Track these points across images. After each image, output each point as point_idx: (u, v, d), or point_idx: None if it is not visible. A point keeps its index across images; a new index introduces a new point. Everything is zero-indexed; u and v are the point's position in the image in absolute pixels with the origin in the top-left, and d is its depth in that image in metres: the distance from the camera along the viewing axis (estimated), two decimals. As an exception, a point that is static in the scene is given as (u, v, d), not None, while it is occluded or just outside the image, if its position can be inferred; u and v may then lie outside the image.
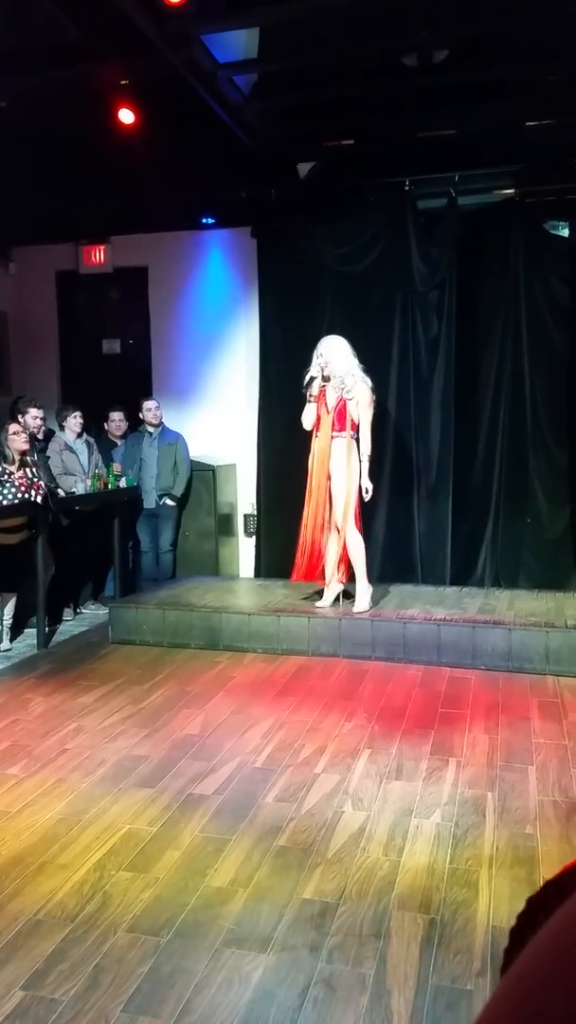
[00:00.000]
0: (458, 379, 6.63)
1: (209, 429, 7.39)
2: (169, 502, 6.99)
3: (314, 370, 5.42)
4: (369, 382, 5.46)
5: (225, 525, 7.38)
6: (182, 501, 7.06)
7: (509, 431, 6.66)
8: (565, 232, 6.60)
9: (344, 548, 5.48)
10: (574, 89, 5.43)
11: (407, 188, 6.53)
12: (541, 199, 6.60)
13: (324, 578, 5.59)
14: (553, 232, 6.67)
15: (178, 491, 6.98)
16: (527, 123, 5.92)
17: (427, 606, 5.69)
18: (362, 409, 5.39)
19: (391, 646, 5.31)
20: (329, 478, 5.46)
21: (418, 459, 6.77)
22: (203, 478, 7.15)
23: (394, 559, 6.90)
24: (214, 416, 7.43)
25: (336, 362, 5.38)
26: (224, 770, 3.63)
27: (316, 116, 5.87)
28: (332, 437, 5.43)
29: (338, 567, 5.52)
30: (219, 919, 2.51)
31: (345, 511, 5.41)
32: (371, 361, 6.68)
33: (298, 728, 4.14)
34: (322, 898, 2.63)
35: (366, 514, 6.84)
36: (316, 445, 5.50)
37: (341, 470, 5.41)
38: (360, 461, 5.43)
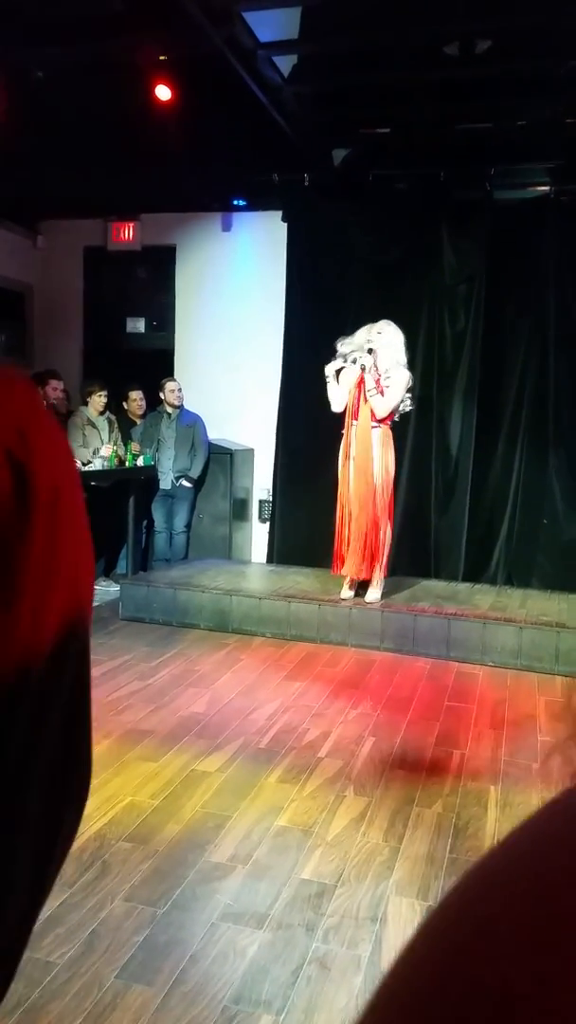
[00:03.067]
0: (482, 374, 6.58)
1: (229, 413, 7.38)
2: (185, 483, 6.99)
3: (360, 338, 5.30)
4: (409, 374, 5.43)
5: (240, 509, 7.38)
6: (198, 483, 7.07)
7: (531, 429, 6.61)
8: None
9: (379, 540, 5.44)
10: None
11: (441, 180, 6.47)
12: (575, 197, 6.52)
13: (367, 573, 5.52)
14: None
15: (195, 473, 6.99)
16: (567, 119, 5.84)
17: (438, 600, 5.67)
18: (393, 388, 5.31)
19: (400, 638, 5.30)
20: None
21: (437, 452, 6.73)
22: (220, 461, 7.15)
23: (408, 552, 6.87)
24: (234, 400, 7.42)
25: (389, 345, 5.31)
26: (228, 748, 3.64)
27: (353, 102, 5.81)
28: (372, 427, 5.38)
29: (361, 561, 5.47)
30: (217, 893, 2.52)
31: (384, 501, 5.39)
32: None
33: (304, 712, 4.14)
34: (320, 879, 2.63)
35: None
36: (355, 434, 5.44)
37: (380, 460, 5.37)
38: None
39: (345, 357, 5.42)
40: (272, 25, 4.80)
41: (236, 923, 2.37)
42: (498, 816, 3.09)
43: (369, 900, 2.52)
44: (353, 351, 5.35)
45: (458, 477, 6.69)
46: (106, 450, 6.60)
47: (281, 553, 7.10)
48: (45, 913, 2.36)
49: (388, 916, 2.44)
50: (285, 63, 5.28)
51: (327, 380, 5.47)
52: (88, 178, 6.75)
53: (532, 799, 3.23)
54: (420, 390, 6.68)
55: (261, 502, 7.53)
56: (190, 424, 7.03)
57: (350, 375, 5.40)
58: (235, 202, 7.24)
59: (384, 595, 5.63)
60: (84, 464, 6.43)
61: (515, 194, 6.61)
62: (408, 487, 6.80)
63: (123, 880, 2.57)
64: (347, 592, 5.59)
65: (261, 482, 7.49)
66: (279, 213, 7.06)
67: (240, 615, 5.62)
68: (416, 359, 6.68)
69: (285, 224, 7.06)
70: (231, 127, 5.92)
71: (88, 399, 6.76)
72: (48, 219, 7.89)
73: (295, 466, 7.06)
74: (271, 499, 7.32)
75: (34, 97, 5.36)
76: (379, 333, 5.35)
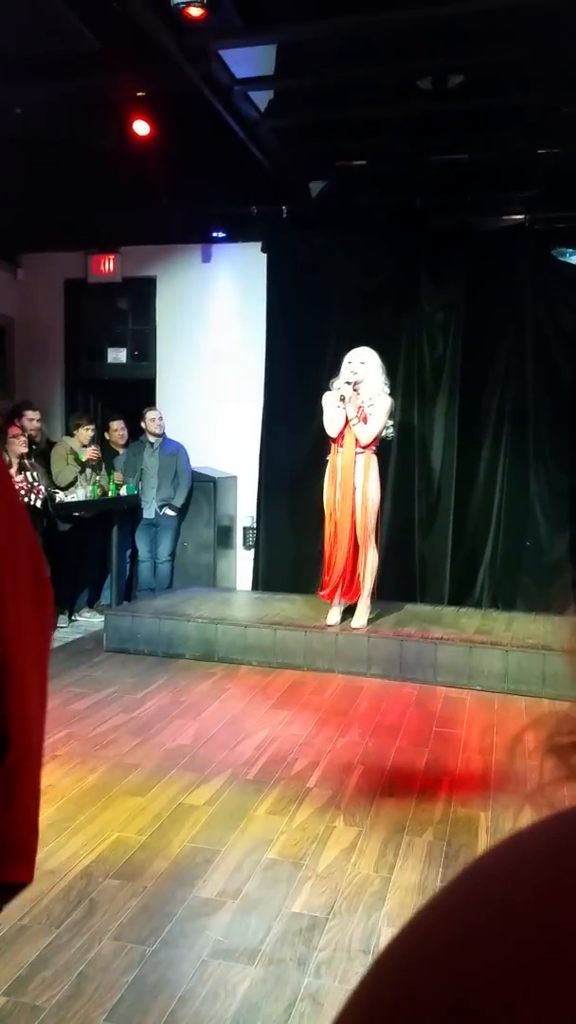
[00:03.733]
0: (462, 399, 6.65)
1: (211, 441, 7.40)
2: (169, 512, 6.98)
3: (345, 376, 5.36)
4: (391, 400, 5.49)
5: (224, 537, 7.37)
6: (182, 512, 7.06)
7: (511, 453, 6.67)
8: (574, 259, 6.65)
9: (357, 564, 5.45)
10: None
11: (418, 209, 6.58)
12: (551, 226, 6.66)
13: (355, 595, 5.54)
14: (562, 259, 6.72)
15: (178, 501, 6.98)
16: (539, 151, 5.97)
17: (424, 624, 5.67)
18: (376, 415, 5.36)
19: (387, 663, 5.28)
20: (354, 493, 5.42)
21: (419, 477, 6.78)
22: (204, 489, 7.15)
23: (393, 576, 6.88)
24: (216, 428, 7.44)
25: (370, 374, 5.38)
26: (216, 781, 3.60)
27: (329, 135, 5.92)
28: (356, 452, 5.42)
29: (357, 583, 5.49)
30: (206, 930, 2.48)
31: (369, 527, 5.41)
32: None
33: (292, 742, 4.11)
34: (311, 912, 2.60)
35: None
36: (339, 460, 5.47)
37: (364, 486, 5.40)
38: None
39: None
40: (248, 61, 4.90)
41: (227, 959, 2.33)
42: (489, 843, 3.07)
43: (361, 932, 2.48)
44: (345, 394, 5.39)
45: (441, 501, 6.73)
46: (91, 451, 6.57)
47: (266, 580, 7.09)
48: (32, 955, 2.31)
49: (381, 948, 2.40)
50: (262, 98, 5.37)
51: (325, 407, 5.49)
52: (68, 212, 6.81)
53: (523, 825, 3.20)
54: (401, 415, 6.74)
55: (245, 529, 7.53)
56: (173, 453, 7.04)
57: (331, 398, 5.44)
58: (214, 234, 7.32)
59: (370, 620, 5.62)
60: (68, 486, 6.42)
61: (491, 223, 6.73)
62: (392, 511, 6.82)
63: (111, 919, 2.53)
64: (334, 617, 5.58)
65: (245, 509, 7.50)
66: (258, 244, 7.15)
67: (226, 644, 5.59)
68: (396, 385, 6.75)
69: (264, 255, 7.14)
70: (209, 161, 6.01)
71: (75, 431, 6.76)
72: (28, 252, 7.93)
73: (278, 492, 7.08)
74: (255, 526, 7.33)
75: (14, 133, 5.42)
76: (362, 363, 5.39)
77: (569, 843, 0.28)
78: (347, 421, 5.37)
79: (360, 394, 5.33)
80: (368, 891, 2.73)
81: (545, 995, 0.23)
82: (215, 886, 2.74)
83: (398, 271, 6.71)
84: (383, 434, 5.52)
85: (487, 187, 6.46)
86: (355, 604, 5.57)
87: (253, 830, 3.15)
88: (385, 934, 2.48)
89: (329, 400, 5.46)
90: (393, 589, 6.77)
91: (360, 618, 5.53)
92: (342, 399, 5.32)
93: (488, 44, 4.60)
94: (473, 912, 0.27)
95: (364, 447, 5.41)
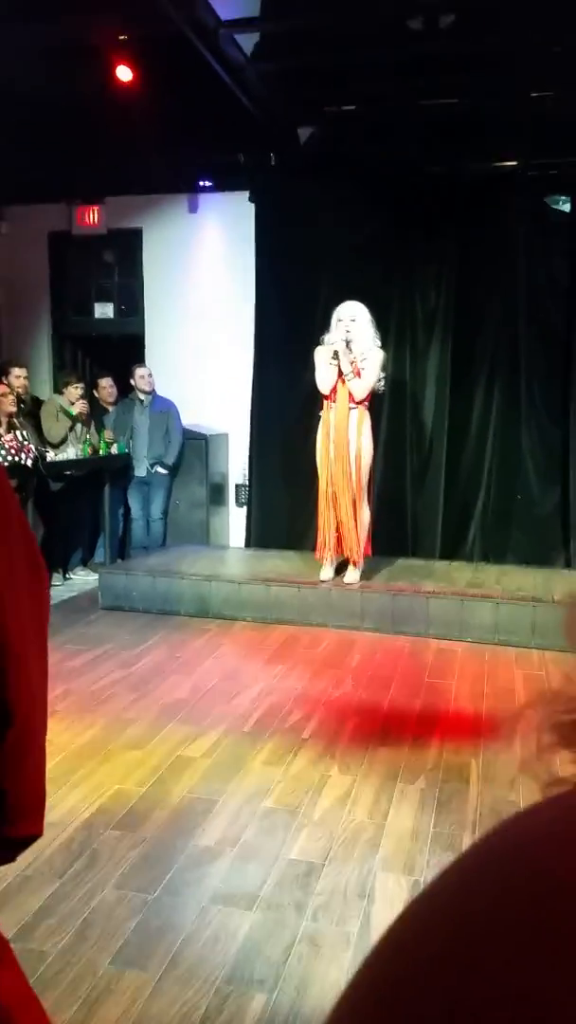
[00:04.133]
0: (454, 353, 6.61)
1: (202, 398, 7.34)
2: (161, 470, 6.96)
3: (337, 334, 5.31)
4: (383, 352, 5.46)
5: (216, 495, 7.37)
6: (173, 469, 7.04)
7: (503, 406, 6.65)
8: (567, 207, 6.54)
9: (357, 521, 5.47)
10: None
11: (408, 157, 6.45)
12: (544, 172, 6.53)
13: (351, 552, 5.55)
14: (554, 206, 6.61)
15: (170, 459, 6.96)
16: (532, 94, 5.84)
17: (416, 579, 5.72)
18: (369, 369, 5.34)
19: (380, 617, 5.34)
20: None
21: (411, 432, 6.77)
22: (195, 447, 7.12)
23: (385, 531, 6.90)
24: (207, 385, 7.38)
25: (360, 328, 5.33)
26: (213, 733, 3.66)
27: (318, 80, 5.76)
28: (350, 408, 5.39)
29: (340, 541, 5.51)
30: (207, 877, 2.55)
31: (359, 484, 5.42)
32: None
33: (287, 695, 4.17)
34: (308, 859, 2.67)
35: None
36: (332, 416, 5.44)
37: (358, 441, 5.39)
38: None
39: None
40: (233, 3, 4.74)
41: (227, 905, 2.40)
42: (480, 789, 3.15)
43: (356, 877, 2.55)
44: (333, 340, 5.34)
45: (432, 455, 6.73)
46: (79, 405, 6.56)
47: (259, 537, 7.11)
48: (36, 904, 2.37)
49: (376, 892, 2.48)
50: (248, 41, 5.22)
51: (316, 364, 5.45)
52: (51, 162, 6.64)
53: (511, 772, 3.29)
54: (393, 369, 6.69)
55: (237, 486, 7.53)
56: (163, 410, 6.99)
57: (323, 354, 5.40)
58: (201, 183, 7.16)
59: (363, 575, 5.66)
60: (60, 443, 6.40)
61: (483, 169, 6.60)
62: (384, 467, 6.82)
63: (113, 868, 2.59)
64: (327, 573, 5.62)
65: (237, 466, 7.48)
66: (246, 193, 6.99)
67: (220, 600, 5.64)
68: (388, 339, 6.68)
69: (253, 204, 7.00)
70: (195, 107, 5.85)
71: (64, 389, 6.69)
72: (11, 205, 7.75)
73: (270, 449, 7.06)
74: (247, 483, 7.32)
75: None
76: (353, 320, 5.34)
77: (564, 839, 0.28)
78: (340, 377, 5.34)
79: (352, 350, 5.30)
80: (363, 838, 2.80)
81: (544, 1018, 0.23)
82: (214, 835, 2.81)
83: (388, 221, 6.60)
84: (375, 388, 5.50)
85: (479, 133, 6.32)
86: (349, 560, 5.60)
87: (250, 780, 3.22)
88: (380, 879, 2.55)
89: (321, 356, 5.43)
90: (385, 543, 6.80)
91: (353, 574, 5.57)
92: (335, 356, 5.28)
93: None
94: (466, 921, 0.27)
95: (358, 402, 5.39)
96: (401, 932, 0.29)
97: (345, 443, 5.39)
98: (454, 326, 6.58)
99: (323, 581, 5.58)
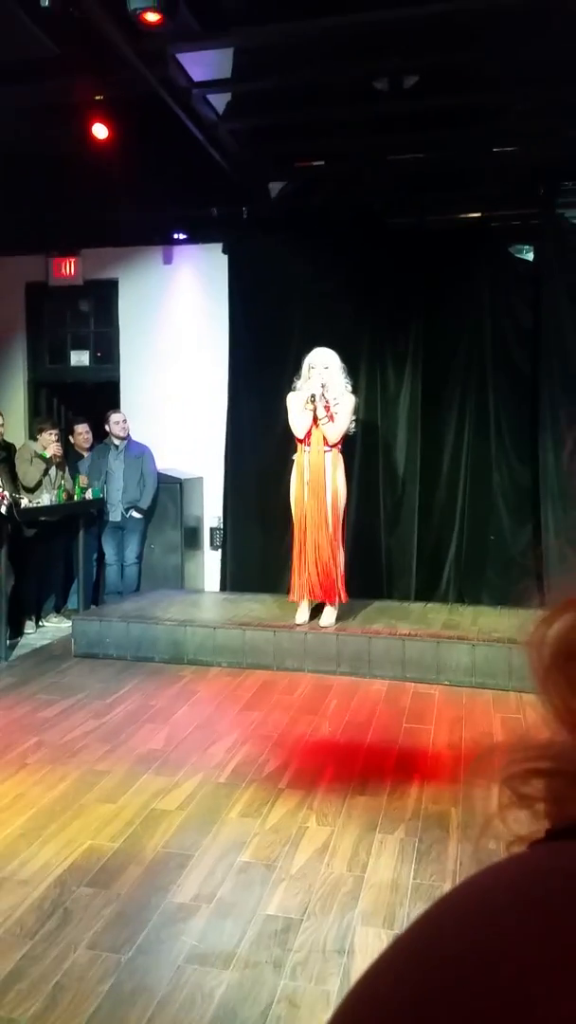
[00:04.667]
0: (424, 396, 6.73)
1: (176, 442, 7.38)
2: (135, 514, 6.96)
3: (315, 385, 5.40)
4: (355, 397, 5.57)
5: (191, 538, 7.37)
6: (148, 513, 7.04)
7: (473, 448, 6.76)
8: (529, 256, 6.75)
9: (335, 562, 5.49)
10: (539, 117, 5.57)
11: (376, 209, 6.63)
12: (506, 223, 6.75)
13: (329, 595, 5.56)
14: (517, 255, 6.82)
15: (144, 503, 6.96)
16: (494, 149, 6.05)
17: (392, 621, 5.73)
18: (342, 414, 5.43)
19: (356, 661, 5.33)
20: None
21: (384, 474, 6.84)
22: (170, 491, 7.14)
23: (360, 573, 6.92)
24: (181, 429, 7.42)
25: (334, 375, 5.45)
26: (187, 785, 3.61)
27: (288, 137, 5.93)
28: (324, 451, 5.46)
29: (331, 581, 5.52)
30: (182, 935, 2.50)
31: (335, 527, 5.46)
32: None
33: (263, 743, 4.14)
34: (285, 914, 2.63)
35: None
36: (307, 459, 5.51)
37: (333, 483, 5.46)
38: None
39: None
40: (205, 64, 4.89)
41: (203, 964, 2.35)
42: (460, 838, 3.13)
43: (336, 932, 2.52)
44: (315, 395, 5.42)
45: (405, 497, 6.80)
46: (52, 447, 6.56)
47: (234, 580, 7.10)
48: (6, 967, 2.31)
49: (355, 947, 2.44)
50: (220, 100, 5.37)
51: (290, 409, 5.53)
52: (28, 215, 6.74)
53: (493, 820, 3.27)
54: (364, 413, 6.79)
55: (212, 530, 7.53)
56: (138, 455, 7.01)
57: (296, 400, 5.47)
58: (175, 236, 7.30)
59: (338, 618, 5.67)
60: (34, 488, 6.39)
61: (448, 221, 6.80)
62: (357, 509, 6.87)
63: (86, 927, 2.53)
64: (302, 616, 5.62)
65: (211, 510, 7.50)
66: (219, 245, 7.14)
67: (195, 646, 5.60)
68: (359, 383, 6.79)
69: (226, 256, 7.14)
70: (169, 163, 5.99)
71: (38, 435, 6.70)
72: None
73: (244, 493, 7.09)
74: (222, 526, 7.33)
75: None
76: (326, 368, 5.45)
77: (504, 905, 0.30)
78: (315, 421, 5.42)
79: (326, 395, 5.39)
80: (342, 891, 2.77)
81: None
82: (189, 891, 2.76)
83: (358, 270, 6.75)
84: (348, 431, 5.59)
85: (444, 186, 6.52)
86: (324, 603, 5.61)
87: (226, 833, 3.17)
88: (359, 933, 2.52)
89: (294, 401, 5.50)
90: (360, 586, 6.81)
91: (328, 617, 5.58)
92: (311, 400, 5.36)
93: (442, 45, 4.65)
94: (421, 983, 0.28)
95: (332, 445, 5.47)
96: (356, 1003, 0.30)
97: (322, 485, 5.45)
98: (423, 370, 6.72)
99: (298, 624, 5.58)
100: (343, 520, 5.66)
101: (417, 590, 6.73)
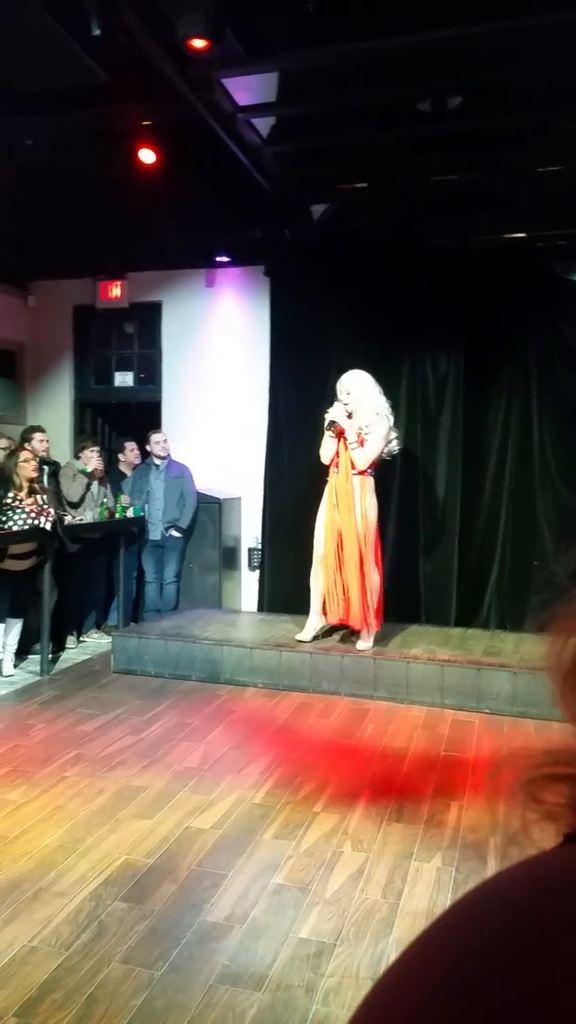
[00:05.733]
0: (466, 419, 6.68)
1: (216, 462, 7.44)
2: (175, 533, 7.01)
3: (336, 410, 5.42)
4: (391, 419, 5.49)
5: (229, 558, 7.39)
6: (187, 533, 7.08)
7: (516, 471, 6.69)
8: (575, 276, 6.69)
9: (365, 587, 5.43)
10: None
11: (419, 231, 6.64)
12: (552, 243, 6.70)
13: (349, 618, 5.52)
14: (563, 276, 6.76)
15: (184, 523, 7.01)
16: (539, 169, 6.03)
17: (431, 646, 5.65)
18: (372, 438, 5.38)
19: (394, 686, 5.27)
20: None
21: (424, 498, 6.79)
22: (209, 511, 7.18)
23: (398, 598, 6.87)
24: (222, 450, 7.48)
25: (361, 401, 5.41)
26: (222, 804, 3.59)
27: (331, 159, 5.99)
28: (352, 476, 5.43)
29: (347, 608, 5.46)
30: (214, 954, 2.47)
31: (365, 551, 5.40)
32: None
33: (298, 765, 4.10)
34: (319, 938, 2.59)
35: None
36: (336, 483, 5.49)
37: (361, 508, 5.41)
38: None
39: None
40: (251, 89, 4.98)
41: (234, 985, 2.33)
42: (498, 869, 3.05)
43: (369, 959, 2.47)
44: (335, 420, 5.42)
45: (446, 521, 6.74)
46: (94, 461, 6.62)
47: (271, 601, 7.09)
48: (41, 977, 2.31)
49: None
50: (264, 124, 5.46)
51: (327, 433, 5.53)
52: (77, 240, 6.91)
53: (531, 852, 3.19)
54: (405, 436, 6.77)
55: (250, 550, 7.55)
56: (178, 475, 7.08)
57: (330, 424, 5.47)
58: (218, 258, 7.40)
59: (375, 642, 5.61)
60: (77, 504, 6.47)
61: (492, 242, 6.78)
62: (396, 533, 6.84)
63: (119, 942, 2.52)
64: (306, 634, 5.62)
65: (250, 531, 7.52)
66: (261, 268, 7.22)
67: (232, 665, 5.59)
68: (400, 406, 6.79)
69: (268, 278, 7.21)
70: (213, 186, 6.09)
71: (81, 453, 6.82)
72: (39, 280, 8.03)
73: (283, 514, 7.10)
74: (260, 547, 7.34)
75: (24, 163, 5.51)
76: (348, 393, 5.44)
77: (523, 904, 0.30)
78: (344, 444, 5.39)
79: (354, 421, 5.36)
80: (376, 917, 2.72)
81: None
82: (223, 910, 2.73)
83: (400, 292, 6.76)
84: (383, 455, 5.53)
85: (488, 206, 6.52)
86: (359, 629, 5.55)
87: (260, 854, 3.14)
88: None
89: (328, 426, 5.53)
90: (398, 610, 6.76)
91: (365, 642, 5.52)
92: (328, 427, 5.36)
93: (486, 65, 4.67)
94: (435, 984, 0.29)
95: (360, 471, 5.43)
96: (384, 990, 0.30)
97: (349, 510, 5.42)
98: (465, 393, 6.67)
99: (299, 640, 5.60)
100: (377, 545, 5.59)
101: (457, 616, 6.64)
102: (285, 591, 7.04)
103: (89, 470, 6.63)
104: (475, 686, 5.11)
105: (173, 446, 7.19)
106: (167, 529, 7.00)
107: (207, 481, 7.29)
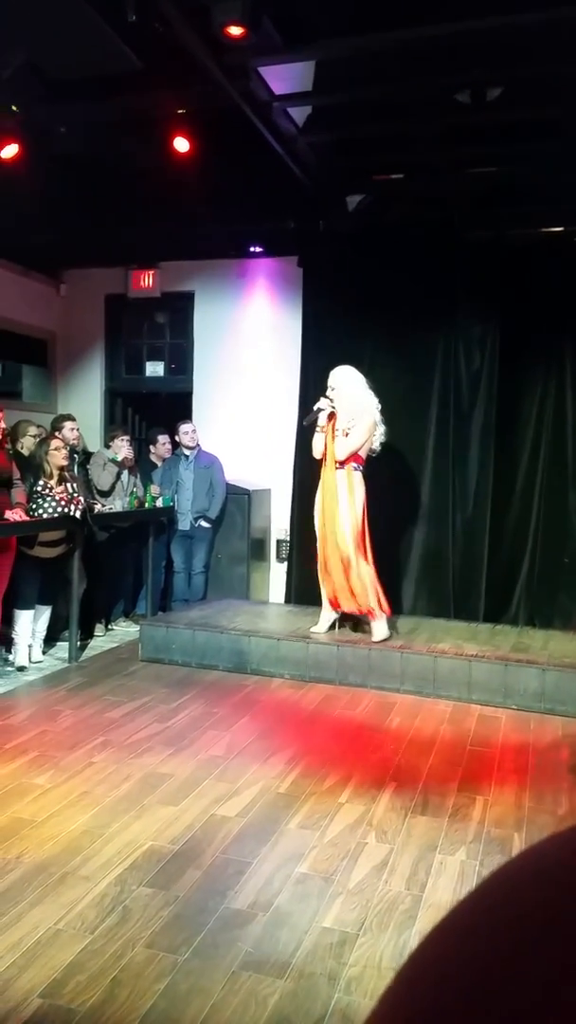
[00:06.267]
0: (499, 414, 6.61)
1: (246, 454, 7.44)
2: (204, 523, 7.03)
3: (323, 403, 5.48)
4: (377, 415, 5.49)
5: (258, 549, 7.39)
6: (216, 523, 7.10)
7: (549, 467, 6.61)
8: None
9: (349, 579, 5.46)
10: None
11: (455, 223, 6.58)
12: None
13: (350, 604, 5.56)
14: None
15: (213, 513, 7.02)
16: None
17: (459, 641, 5.62)
18: (355, 431, 5.40)
19: (420, 680, 5.24)
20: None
21: (455, 493, 6.73)
22: (238, 502, 7.19)
23: (427, 592, 6.85)
24: (252, 441, 7.48)
25: (347, 397, 5.44)
26: (248, 793, 3.60)
27: (367, 150, 5.95)
28: (336, 468, 5.47)
29: (351, 598, 5.48)
30: (238, 941, 2.48)
31: (353, 542, 5.42)
32: (411, 393, 6.73)
33: (323, 756, 4.10)
34: (342, 928, 2.58)
35: (401, 544, 6.84)
36: (323, 476, 5.56)
37: (346, 501, 5.43)
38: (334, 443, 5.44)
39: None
40: (287, 78, 4.95)
41: (257, 972, 2.33)
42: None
43: (392, 950, 2.46)
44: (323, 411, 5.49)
45: (477, 517, 6.68)
46: (125, 450, 6.68)
47: (299, 593, 7.08)
48: (67, 959, 2.33)
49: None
50: (299, 113, 5.43)
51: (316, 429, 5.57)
52: (109, 229, 6.93)
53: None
54: (436, 431, 6.72)
55: (279, 542, 7.55)
56: (207, 465, 7.09)
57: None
58: (251, 249, 7.39)
59: (403, 636, 5.59)
60: (107, 493, 6.52)
61: (529, 235, 6.69)
62: (427, 527, 6.80)
63: (144, 926, 2.54)
64: (320, 627, 5.66)
65: (278, 522, 7.52)
66: (295, 259, 7.19)
67: (259, 656, 5.60)
68: (432, 400, 6.75)
69: (301, 269, 7.18)
70: (247, 176, 6.07)
71: (111, 443, 6.86)
72: (71, 268, 8.08)
73: (312, 506, 7.06)
74: (288, 539, 7.34)
75: (58, 151, 5.54)
76: (332, 389, 5.49)
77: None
78: (333, 436, 5.44)
79: (341, 415, 5.42)
80: (400, 908, 2.71)
81: None
82: (247, 898, 2.74)
83: (434, 285, 6.70)
84: (370, 450, 5.54)
85: (526, 200, 6.43)
86: (363, 616, 5.58)
87: (285, 843, 3.15)
88: (417, 951, 2.45)
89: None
90: (427, 606, 6.75)
91: (379, 631, 5.52)
92: (312, 420, 5.46)
93: (526, 56, 4.60)
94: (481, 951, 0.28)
95: (341, 463, 5.43)
96: (422, 961, 0.30)
97: (333, 502, 5.44)
98: (499, 387, 6.60)
99: (313, 632, 5.63)
100: (363, 536, 5.54)
101: (486, 612, 6.59)
102: (313, 583, 6.99)
103: (119, 459, 6.67)
104: (502, 682, 5.07)
105: (203, 436, 7.20)
106: (196, 519, 7.02)
107: (237, 472, 7.30)
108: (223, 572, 7.21)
